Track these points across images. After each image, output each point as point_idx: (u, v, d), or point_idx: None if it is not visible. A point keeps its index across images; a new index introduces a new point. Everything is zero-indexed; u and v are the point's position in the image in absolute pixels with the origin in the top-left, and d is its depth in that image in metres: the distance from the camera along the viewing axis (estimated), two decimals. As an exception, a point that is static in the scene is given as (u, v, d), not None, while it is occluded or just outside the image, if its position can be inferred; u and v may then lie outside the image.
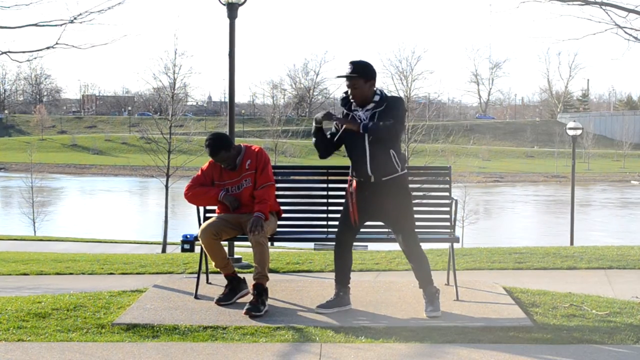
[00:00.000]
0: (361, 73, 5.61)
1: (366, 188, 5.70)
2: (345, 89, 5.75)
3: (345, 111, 5.78)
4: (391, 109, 5.63)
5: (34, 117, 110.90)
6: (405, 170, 5.77)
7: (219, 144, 6.03)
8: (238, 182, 6.10)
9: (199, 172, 6.27)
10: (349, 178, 5.86)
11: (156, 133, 31.34)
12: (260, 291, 5.79)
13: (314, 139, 5.87)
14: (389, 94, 5.78)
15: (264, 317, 5.65)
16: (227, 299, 6.04)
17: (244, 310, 5.69)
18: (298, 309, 5.92)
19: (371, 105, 5.66)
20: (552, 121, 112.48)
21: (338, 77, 5.67)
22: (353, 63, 5.64)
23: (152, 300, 6.14)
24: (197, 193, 6.17)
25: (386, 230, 6.32)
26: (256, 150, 6.17)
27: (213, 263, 6.17)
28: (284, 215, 6.54)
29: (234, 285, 6.13)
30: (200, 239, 6.05)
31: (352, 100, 5.71)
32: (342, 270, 5.88)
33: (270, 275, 6.01)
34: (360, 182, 5.72)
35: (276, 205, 6.29)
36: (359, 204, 5.72)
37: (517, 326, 5.41)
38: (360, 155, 5.66)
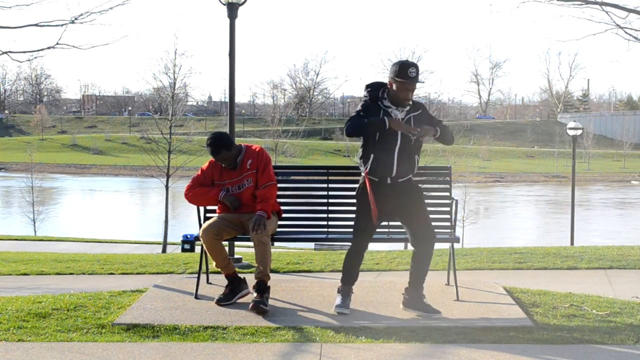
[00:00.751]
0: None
1: (380, 188, 5.69)
2: (368, 80, 5.82)
3: (378, 103, 5.68)
4: (429, 116, 5.76)
5: (34, 117, 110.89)
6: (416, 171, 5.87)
7: (220, 143, 6.03)
8: (239, 181, 6.09)
9: (199, 172, 6.27)
10: (364, 176, 5.76)
11: (156, 133, 31.36)
12: (263, 288, 5.80)
13: (368, 127, 5.58)
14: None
15: (265, 316, 5.64)
16: (227, 299, 6.04)
17: (250, 306, 5.68)
18: (298, 309, 5.92)
19: (407, 107, 5.68)
20: (552, 121, 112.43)
21: (409, 82, 5.50)
22: (417, 67, 5.59)
23: (152, 300, 6.14)
24: (197, 193, 6.17)
25: (386, 230, 6.33)
26: (257, 150, 6.16)
27: (214, 263, 6.16)
28: (284, 215, 6.54)
29: (235, 286, 6.13)
30: (201, 239, 6.05)
31: (396, 100, 5.62)
32: (355, 273, 5.92)
33: (270, 275, 6.00)
34: (374, 182, 5.71)
35: (277, 205, 6.29)
36: (377, 205, 5.70)
37: (517, 326, 5.41)
38: (388, 156, 5.64)
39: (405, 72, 5.52)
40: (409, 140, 5.62)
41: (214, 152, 6.04)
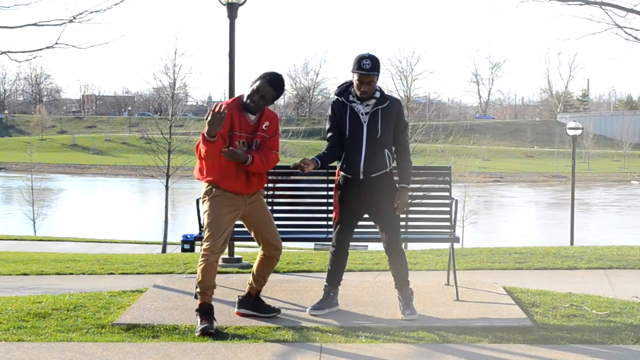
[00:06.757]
0: (379, 70, 5.57)
1: (353, 184, 5.65)
2: (345, 79, 5.75)
3: (342, 100, 5.66)
4: (398, 114, 5.66)
5: (34, 117, 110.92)
6: (392, 166, 5.73)
7: (283, 84, 5.45)
8: (250, 139, 5.43)
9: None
10: (337, 172, 5.79)
11: (156, 133, 31.35)
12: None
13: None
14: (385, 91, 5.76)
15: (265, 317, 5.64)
16: (214, 328, 5.27)
17: (276, 315, 5.60)
18: (298, 308, 5.91)
19: (372, 100, 5.61)
20: (552, 121, 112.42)
21: (362, 73, 5.46)
22: (372, 59, 5.52)
23: (152, 300, 6.14)
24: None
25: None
26: (275, 116, 5.57)
27: (199, 285, 5.31)
28: (284, 215, 6.55)
29: (211, 310, 5.36)
30: (205, 258, 5.26)
31: (357, 94, 5.59)
32: (337, 270, 5.84)
33: (270, 275, 5.99)
34: (347, 178, 5.68)
35: (264, 179, 5.62)
36: (348, 201, 5.69)
37: (517, 326, 5.41)
38: (356, 151, 5.59)
39: (359, 64, 5.51)
40: (376, 134, 5.57)
41: (277, 87, 5.35)
